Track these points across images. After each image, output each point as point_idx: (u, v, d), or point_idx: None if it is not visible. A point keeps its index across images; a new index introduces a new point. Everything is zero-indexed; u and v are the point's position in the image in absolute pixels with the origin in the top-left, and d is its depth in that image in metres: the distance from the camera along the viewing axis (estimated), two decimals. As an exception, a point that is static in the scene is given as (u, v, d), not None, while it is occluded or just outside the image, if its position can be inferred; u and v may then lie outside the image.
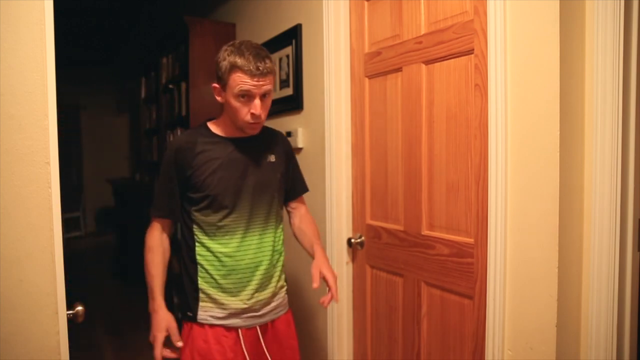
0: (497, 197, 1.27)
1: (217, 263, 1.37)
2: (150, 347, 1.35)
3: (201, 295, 1.39)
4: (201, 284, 1.38)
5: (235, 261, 1.37)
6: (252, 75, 1.24)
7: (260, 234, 1.41)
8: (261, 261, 1.41)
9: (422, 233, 1.59)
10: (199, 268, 1.39)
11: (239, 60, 1.24)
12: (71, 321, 1.14)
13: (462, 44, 1.40)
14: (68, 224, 6.67)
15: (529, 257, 1.20)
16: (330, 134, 1.90)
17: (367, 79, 1.83)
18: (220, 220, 1.36)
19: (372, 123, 1.82)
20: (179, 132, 3.07)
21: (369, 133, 1.83)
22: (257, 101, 1.28)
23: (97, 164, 7.16)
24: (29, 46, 1.06)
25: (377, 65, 1.76)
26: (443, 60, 1.48)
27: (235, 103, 1.29)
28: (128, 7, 4.66)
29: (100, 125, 7.21)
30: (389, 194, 1.75)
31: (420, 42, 1.55)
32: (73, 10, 4.48)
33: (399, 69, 1.66)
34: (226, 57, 1.27)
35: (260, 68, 1.24)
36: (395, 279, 1.73)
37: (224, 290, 1.37)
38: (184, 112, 2.95)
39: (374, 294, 1.85)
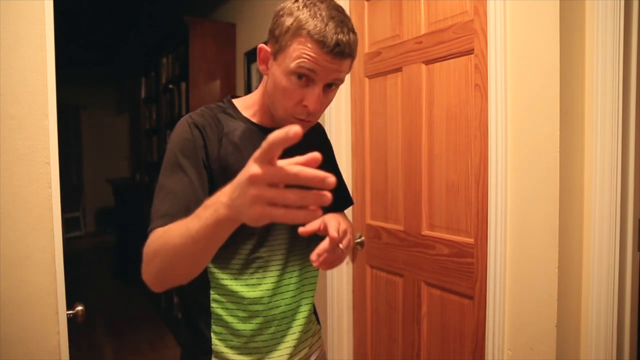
0: (497, 197, 1.27)
1: (242, 313, 0.93)
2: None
3: (214, 359, 0.95)
4: (215, 342, 0.94)
5: (269, 309, 0.94)
6: (326, 49, 0.80)
7: (300, 268, 0.99)
8: (300, 306, 1.00)
9: (422, 233, 1.59)
10: (214, 320, 0.94)
11: (313, 23, 0.80)
12: (71, 321, 1.14)
13: (462, 44, 1.40)
14: (68, 224, 6.67)
15: (529, 257, 1.20)
16: (330, 133, 1.90)
17: (367, 79, 1.83)
18: (251, 253, 0.93)
19: (372, 123, 1.82)
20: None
21: (369, 133, 1.83)
22: (317, 89, 0.84)
23: (97, 164, 7.16)
24: (29, 46, 1.06)
25: (377, 65, 1.76)
26: (443, 60, 1.48)
27: (284, 82, 0.84)
28: (128, 7, 4.66)
29: (100, 125, 7.21)
30: (389, 194, 1.75)
31: (420, 42, 1.55)
32: (73, 10, 4.48)
33: (399, 69, 1.66)
34: (293, 12, 0.83)
35: (341, 44, 0.81)
36: (395, 279, 1.73)
37: (249, 351, 0.95)
38: (184, 112, 2.95)
39: (374, 294, 1.85)
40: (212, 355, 0.94)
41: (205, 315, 0.95)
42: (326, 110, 1.89)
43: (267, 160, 0.51)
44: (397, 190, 1.71)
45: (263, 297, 0.93)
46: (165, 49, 3.36)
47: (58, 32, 1.11)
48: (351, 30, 0.83)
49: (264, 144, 0.51)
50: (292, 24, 0.82)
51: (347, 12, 1.86)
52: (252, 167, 0.53)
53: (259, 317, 0.94)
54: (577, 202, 1.17)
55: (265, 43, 0.89)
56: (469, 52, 1.38)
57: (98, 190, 6.90)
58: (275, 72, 0.86)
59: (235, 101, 0.98)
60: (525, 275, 1.21)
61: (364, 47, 1.83)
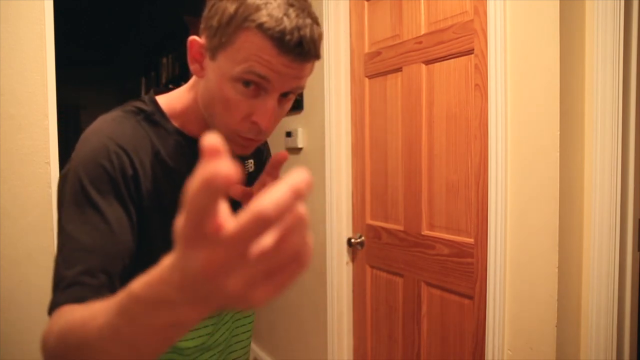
0: (497, 197, 1.27)
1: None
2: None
3: None
4: None
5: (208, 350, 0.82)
6: (284, 49, 0.58)
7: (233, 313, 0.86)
8: (235, 351, 0.90)
9: (422, 233, 1.59)
10: None
11: (266, 11, 0.57)
12: (71, 321, 1.13)
13: (462, 44, 1.40)
14: (68, 224, 6.66)
15: (529, 257, 1.20)
16: (331, 134, 1.90)
17: (367, 79, 1.83)
18: None
19: (372, 123, 1.82)
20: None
21: (369, 133, 1.83)
22: (271, 101, 0.63)
23: (97, 164, 7.14)
24: (29, 46, 1.06)
25: (377, 65, 1.76)
26: (443, 60, 1.48)
27: (226, 90, 0.62)
28: (128, 7, 4.66)
29: (100, 125, 7.19)
30: (389, 194, 1.75)
31: (420, 42, 1.55)
32: (73, 10, 4.48)
33: (399, 69, 1.66)
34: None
35: (305, 41, 0.58)
36: (395, 279, 1.73)
37: None
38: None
39: (374, 293, 1.85)
40: None
41: None
42: (326, 111, 1.90)
43: (202, 227, 0.28)
44: (397, 190, 1.71)
45: (198, 345, 0.79)
46: (165, 49, 3.36)
47: (58, 32, 1.11)
48: (315, 21, 0.61)
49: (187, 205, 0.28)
50: (236, 11, 0.58)
51: (347, 12, 1.87)
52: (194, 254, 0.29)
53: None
54: (577, 202, 1.17)
55: (202, 36, 0.64)
56: (469, 52, 1.38)
57: (98, 190, 6.89)
58: (214, 77, 0.63)
59: (160, 102, 0.73)
60: (525, 275, 1.21)
61: (364, 47, 1.83)
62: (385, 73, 1.73)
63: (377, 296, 1.83)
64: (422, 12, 1.55)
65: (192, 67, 0.67)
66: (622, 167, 1.10)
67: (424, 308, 1.60)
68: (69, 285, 0.56)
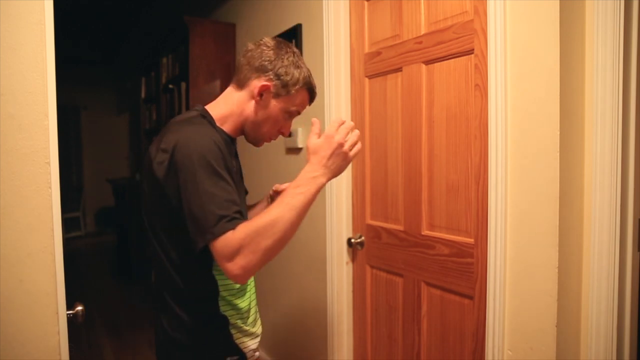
0: (497, 197, 1.27)
1: (240, 319, 1.11)
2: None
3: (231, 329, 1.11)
4: (235, 335, 1.10)
5: (251, 300, 1.17)
6: (312, 100, 1.15)
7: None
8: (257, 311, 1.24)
9: (422, 233, 1.59)
10: (227, 321, 1.08)
11: (310, 80, 1.10)
12: (71, 321, 1.13)
13: (462, 44, 1.40)
14: (68, 224, 6.67)
15: (529, 257, 1.20)
16: (330, 134, 1.89)
17: (367, 79, 1.83)
18: None
19: (372, 123, 1.82)
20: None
21: (369, 133, 1.83)
22: (291, 122, 1.15)
23: (97, 164, 7.15)
24: (29, 46, 1.06)
25: (377, 65, 1.76)
26: (443, 60, 1.48)
27: (279, 116, 1.09)
28: (128, 7, 4.66)
29: (100, 125, 7.20)
30: (389, 194, 1.75)
31: (420, 42, 1.55)
32: (73, 10, 4.48)
33: (399, 69, 1.66)
34: (302, 68, 1.08)
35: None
36: (395, 279, 1.73)
37: (248, 323, 1.15)
38: (184, 112, 2.95)
39: (374, 294, 1.85)
40: (230, 327, 1.08)
41: (219, 319, 1.07)
42: (326, 111, 1.91)
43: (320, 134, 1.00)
44: (397, 190, 1.71)
45: (249, 304, 1.15)
46: (165, 49, 3.36)
47: (58, 32, 1.11)
48: None
49: (315, 127, 1.02)
50: (301, 78, 1.08)
51: (347, 12, 1.88)
52: (334, 138, 0.97)
53: (250, 317, 1.15)
54: (577, 202, 1.17)
55: (273, 83, 1.07)
56: (469, 52, 1.38)
57: (98, 190, 6.90)
58: (273, 108, 1.08)
59: (214, 116, 1.08)
60: (525, 275, 1.21)
61: (364, 47, 1.83)
62: (385, 73, 1.73)
63: (377, 296, 1.83)
64: (422, 12, 1.55)
65: (255, 98, 1.07)
66: (622, 167, 1.10)
67: (424, 308, 1.60)
68: (231, 219, 0.89)
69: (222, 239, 0.87)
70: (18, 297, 1.05)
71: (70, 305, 1.14)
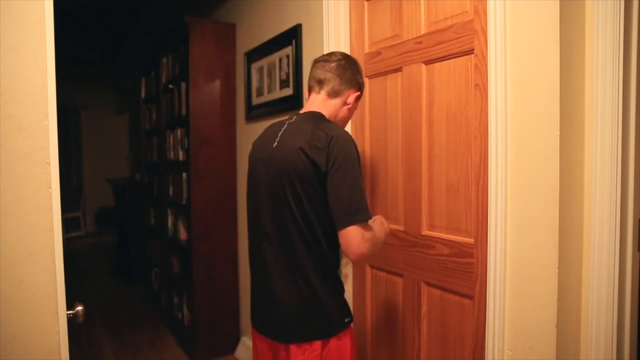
0: (497, 197, 1.27)
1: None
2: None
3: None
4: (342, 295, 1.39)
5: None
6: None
7: None
8: None
9: (422, 233, 1.59)
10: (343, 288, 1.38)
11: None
12: (71, 321, 1.13)
13: (462, 44, 1.40)
14: (68, 224, 6.67)
15: (529, 257, 1.20)
16: (330, 134, 1.89)
17: (367, 79, 1.83)
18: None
19: (372, 123, 1.82)
20: (179, 132, 3.07)
21: (369, 133, 1.83)
22: None
23: (97, 164, 7.16)
24: (29, 46, 1.05)
25: (377, 65, 1.76)
26: (443, 60, 1.48)
27: (355, 108, 1.46)
28: (128, 7, 4.66)
29: (100, 125, 7.21)
30: (389, 194, 1.75)
31: (420, 42, 1.55)
32: (73, 10, 4.48)
33: (399, 69, 1.66)
34: (361, 72, 1.44)
35: None
36: (395, 279, 1.73)
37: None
38: (184, 112, 2.95)
39: (374, 294, 1.85)
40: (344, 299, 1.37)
41: (338, 282, 1.36)
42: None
43: None
44: (397, 190, 1.71)
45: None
46: (165, 49, 3.35)
47: (58, 32, 1.11)
48: None
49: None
50: (364, 82, 1.45)
51: (347, 12, 1.88)
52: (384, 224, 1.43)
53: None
54: (577, 202, 1.16)
55: (360, 92, 1.42)
56: (469, 52, 1.38)
57: (98, 190, 6.91)
58: (353, 108, 1.44)
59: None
60: (525, 275, 1.21)
61: (364, 47, 1.83)
62: (385, 73, 1.73)
63: (377, 296, 1.83)
64: (422, 12, 1.55)
65: (348, 105, 1.40)
66: (622, 167, 1.10)
67: (424, 308, 1.60)
68: (368, 209, 1.20)
69: (365, 224, 1.19)
70: (18, 297, 1.05)
71: (70, 305, 1.14)
